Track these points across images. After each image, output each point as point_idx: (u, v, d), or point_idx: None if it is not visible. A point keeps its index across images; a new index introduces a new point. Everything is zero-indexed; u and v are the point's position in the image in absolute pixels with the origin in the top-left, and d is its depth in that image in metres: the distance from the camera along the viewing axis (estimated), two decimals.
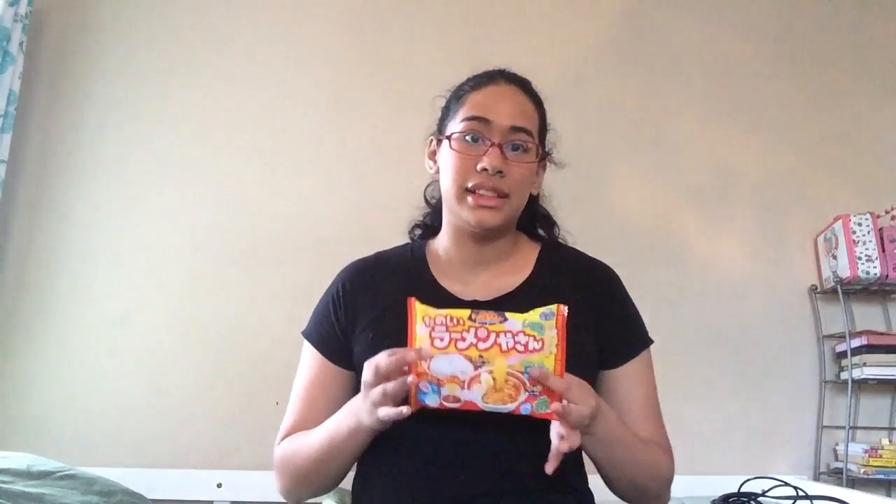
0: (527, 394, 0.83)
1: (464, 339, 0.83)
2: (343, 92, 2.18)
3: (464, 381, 0.83)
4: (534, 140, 1.03)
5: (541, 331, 0.85)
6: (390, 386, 0.82)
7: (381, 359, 0.84)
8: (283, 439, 1.05)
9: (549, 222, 1.17)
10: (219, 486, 1.83)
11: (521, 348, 0.83)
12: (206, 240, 2.03)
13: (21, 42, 1.96)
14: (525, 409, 0.84)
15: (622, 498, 1.03)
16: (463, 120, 1.02)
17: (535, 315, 0.85)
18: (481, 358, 0.83)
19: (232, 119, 2.12)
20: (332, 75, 2.19)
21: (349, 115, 2.16)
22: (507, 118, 1.01)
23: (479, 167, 0.98)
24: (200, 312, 1.98)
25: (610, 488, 1.02)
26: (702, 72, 2.31)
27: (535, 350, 0.84)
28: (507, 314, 0.85)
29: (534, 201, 1.13)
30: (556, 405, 0.82)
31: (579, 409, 0.83)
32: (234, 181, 2.08)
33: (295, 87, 2.17)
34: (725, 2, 2.38)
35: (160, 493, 1.76)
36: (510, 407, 0.83)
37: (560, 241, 1.17)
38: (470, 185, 0.99)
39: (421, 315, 0.86)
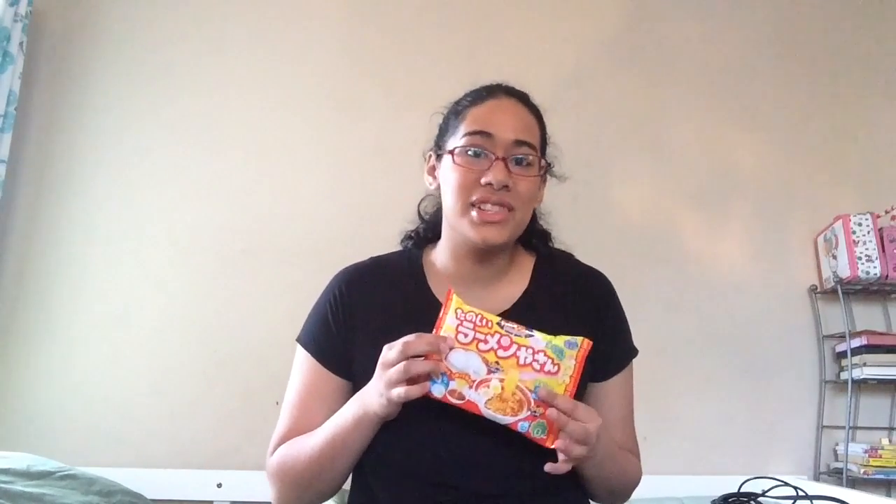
0: (528, 412, 0.84)
1: (486, 342, 0.86)
2: (343, 92, 2.18)
3: (473, 381, 0.84)
4: (536, 153, 1.01)
5: (560, 356, 0.86)
6: (416, 366, 0.83)
7: (410, 339, 0.84)
8: (276, 447, 1.02)
9: (546, 237, 1.16)
10: (219, 486, 1.83)
11: (537, 366, 0.85)
12: (206, 240, 2.03)
13: (21, 42, 1.95)
14: (522, 427, 0.85)
15: (595, 500, 1.05)
16: (465, 135, 1.00)
17: (560, 340, 0.88)
18: (497, 364, 0.84)
19: (232, 118, 2.12)
20: (332, 76, 2.19)
21: (350, 116, 2.16)
22: (510, 132, 0.99)
23: (483, 181, 0.96)
24: (200, 312, 1.98)
25: (588, 494, 1.04)
26: (701, 72, 2.31)
27: (549, 372, 0.85)
28: (535, 331, 0.88)
29: (533, 215, 1.12)
30: (559, 443, 0.84)
31: (580, 449, 0.84)
32: (234, 181, 2.08)
33: (295, 88, 2.17)
34: (725, 2, 2.38)
35: (160, 493, 1.77)
36: (508, 420, 0.84)
37: (556, 247, 1.16)
38: (474, 199, 0.97)
39: (455, 306, 0.88)
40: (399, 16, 2.25)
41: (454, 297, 0.90)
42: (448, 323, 0.87)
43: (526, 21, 2.30)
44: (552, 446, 0.85)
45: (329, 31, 2.22)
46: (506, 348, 0.85)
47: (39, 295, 1.96)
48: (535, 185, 1.03)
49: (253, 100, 2.14)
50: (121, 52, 2.14)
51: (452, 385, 0.84)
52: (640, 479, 1.06)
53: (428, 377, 0.84)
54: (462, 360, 0.85)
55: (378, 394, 0.87)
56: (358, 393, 0.94)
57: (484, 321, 0.87)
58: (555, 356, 0.86)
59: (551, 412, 0.83)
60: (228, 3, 2.20)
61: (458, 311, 0.88)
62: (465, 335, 0.86)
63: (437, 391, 0.84)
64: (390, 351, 0.85)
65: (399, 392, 0.83)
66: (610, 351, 1.06)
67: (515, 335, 0.86)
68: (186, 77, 2.14)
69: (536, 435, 0.85)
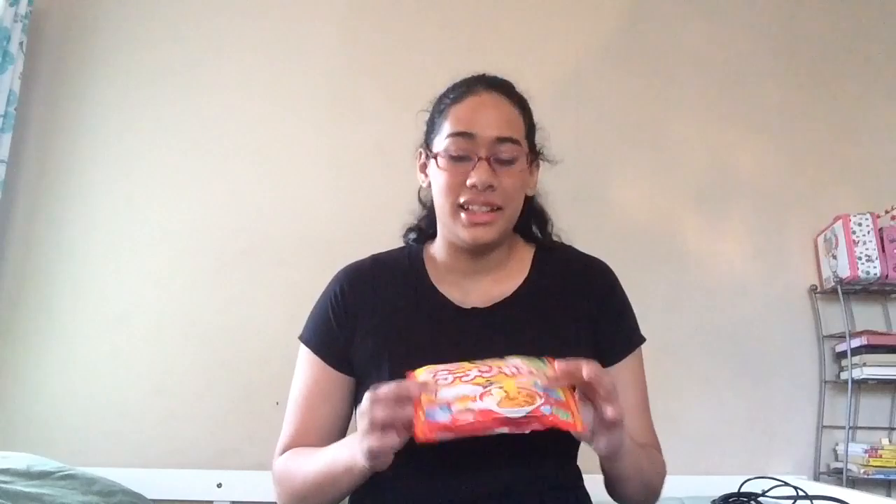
0: (542, 399, 0.80)
1: (467, 375, 0.82)
2: (343, 92, 2.18)
3: (475, 397, 0.80)
4: (521, 148, 1.01)
5: (540, 366, 0.84)
6: (390, 412, 0.77)
7: (381, 387, 0.79)
8: (283, 450, 1.02)
9: (543, 219, 1.15)
10: (219, 486, 1.83)
11: (525, 372, 0.83)
12: (206, 240, 2.03)
13: (21, 42, 1.96)
14: (545, 410, 0.80)
15: (631, 500, 1.01)
16: (447, 136, 1.00)
17: (533, 359, 0.85)
18: (489, 381, 0.81)
19: (232, 118, 2.12)
20: (332, 75, 2.19)
21: (349, 116, 2.16)
22: (492, 129, 0.99)
23: (468, 183, 0.97)
24: (200, 312, 1.98)
25: (615, 497, 1.01)
26: (702, 72, 2.31)
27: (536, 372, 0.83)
28: (506, 356, 0.85)
29: (529, 201, 1.12)
30: (615, 410, 0.80)
31: (613, 405, 0.80)
32: (234, 181, 2.08)
33: (295, 87, 2.17)
34: (725, 2, 2.38)
35: (160, 493, 1.76)
36: (527, 409, 0.79)
37: (555, 237, 1.16)
38: (462, 201, 0.98)
39: (420, 373, 0.84)
40: (399, 16, 2.25)
41: (415, 374, 0.84)
42: (423, 379, 0.83)
43: (526, 21, 2.29)
44: (581, 429, 0.80)
45: (329, 31, 2.22)
46: (488, 371, 0.83)
47: (40, 295, 1.96)
48: (522, 179, 1.03)
49: (253, 99, 2.14)
50: (121, 52, 2.14)
51: (456, 407, 0.79)
52: (665, 472, 1.04)
53: (407, 429, 0.78)
54: (452, 391, 0.80)
55: (359, 443, 0.81)
56: (349, 437, 0.91)
57: (455, 365, 0.84)
58: (534, 368, 0.84)
59: (558, 364, 0.80)
60: (228, 3, 2.20)
61: (425, 373, 0.83)
62: (445, 379, 0.81)
63: (443, 417, 0.78)
64: (365, 400, 0.79)
65: (371, 445, 0.77)
66: (614, 334, 1.05)
67: (490, 361, 0.84)
68: (186, 77, 2.14)
69: (564, 418, 0.80)
